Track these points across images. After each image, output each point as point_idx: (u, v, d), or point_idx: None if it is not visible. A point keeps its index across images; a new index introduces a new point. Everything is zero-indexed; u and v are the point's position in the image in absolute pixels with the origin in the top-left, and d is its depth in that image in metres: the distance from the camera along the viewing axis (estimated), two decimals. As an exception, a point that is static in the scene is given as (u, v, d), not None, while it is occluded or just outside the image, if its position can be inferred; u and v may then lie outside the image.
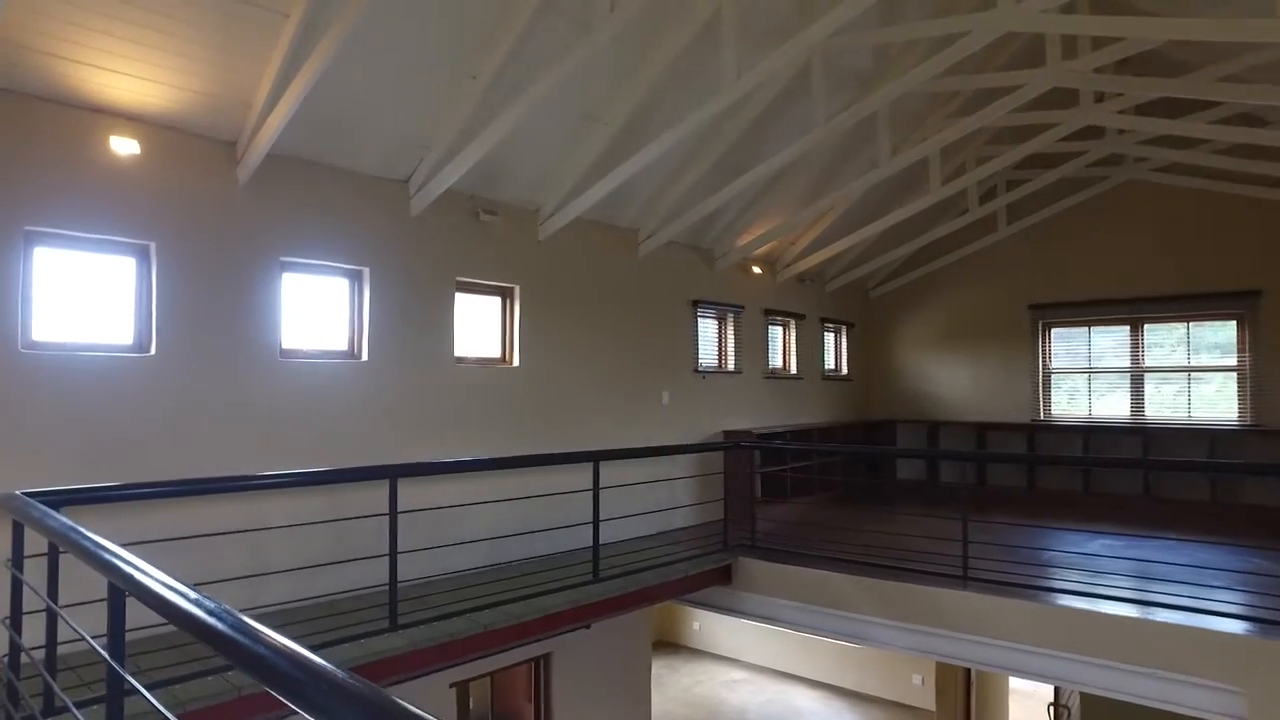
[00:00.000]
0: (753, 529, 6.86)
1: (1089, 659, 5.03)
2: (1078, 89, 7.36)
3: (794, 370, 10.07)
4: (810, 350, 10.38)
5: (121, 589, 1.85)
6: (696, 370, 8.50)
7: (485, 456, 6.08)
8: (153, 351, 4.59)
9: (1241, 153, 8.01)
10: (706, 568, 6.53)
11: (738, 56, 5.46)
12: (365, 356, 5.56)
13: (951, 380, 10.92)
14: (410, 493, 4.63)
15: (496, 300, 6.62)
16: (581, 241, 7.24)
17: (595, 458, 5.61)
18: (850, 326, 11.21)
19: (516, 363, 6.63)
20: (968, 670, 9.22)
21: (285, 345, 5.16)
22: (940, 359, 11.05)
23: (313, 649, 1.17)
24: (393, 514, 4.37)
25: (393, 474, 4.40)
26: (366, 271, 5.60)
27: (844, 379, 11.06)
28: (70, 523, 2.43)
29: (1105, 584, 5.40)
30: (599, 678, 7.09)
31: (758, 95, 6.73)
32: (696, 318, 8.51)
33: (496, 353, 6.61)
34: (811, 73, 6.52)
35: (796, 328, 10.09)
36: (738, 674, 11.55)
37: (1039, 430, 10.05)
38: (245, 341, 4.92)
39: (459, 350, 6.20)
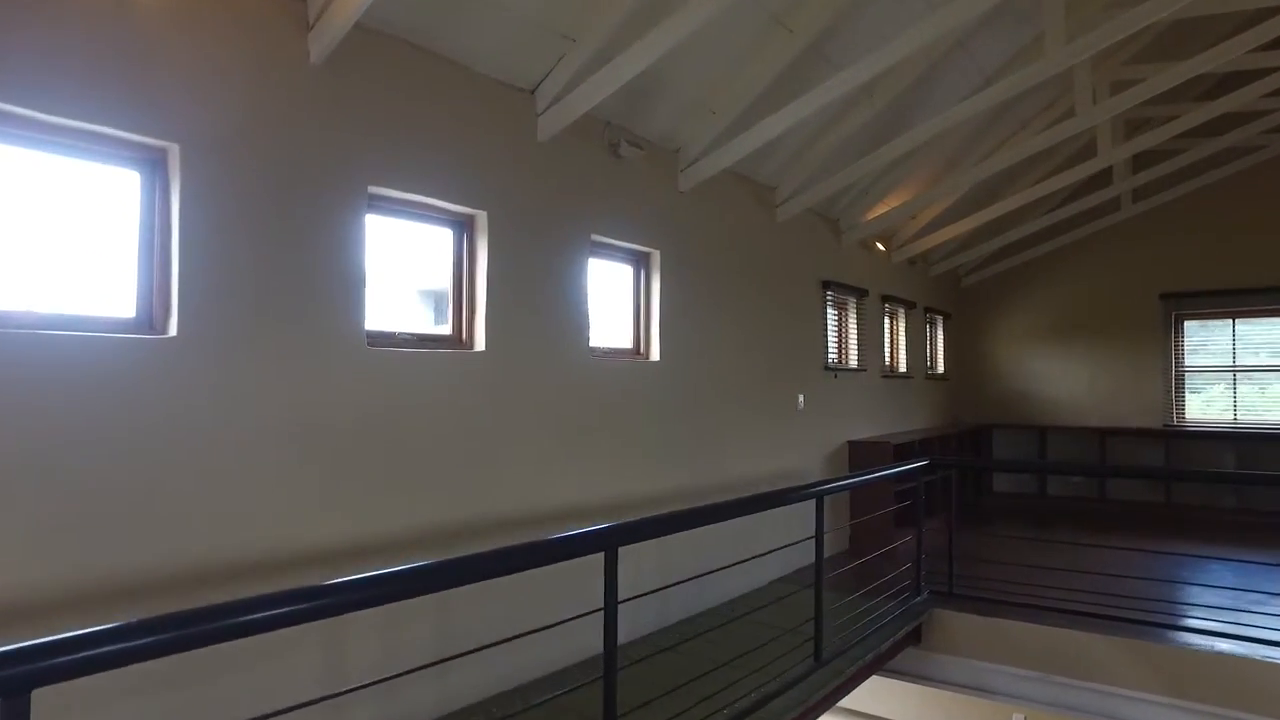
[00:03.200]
0: (950, 570, 5.21)
1: None
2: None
3: (903, 368, 8.48)
4: (918, 345, 8.80)
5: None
6: (827, 367, 6.82)
7: (643, 485, 4.32)
8: (171, 332, 2.68)
9: None
10: (905, 627, 4.89)
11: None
12: (481, 344, 3.71)
13: (1063, 380, 9.47)
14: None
15: (629, 270, 4.82)
16: (722, 198, 5.48)
17: (818, 495, 3.89)
18: (947, 318, 9.68)
19: (655, 355, 4.84)
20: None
21: (372, 326, 3.29)
22: (1048, 355, 9.59)
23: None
24: (611, 591, 2.56)
25: (611, 543, 2.59)
26: (482, 219, 3.75)
27: (941, 378, 9.52)
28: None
29: None
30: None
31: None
32: (826, 303, 6.82)
33: (628, 341, 4.81)
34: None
35: (906, 318, 8.49)
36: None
37: (1174, 437, 8.66)
38: (311, 319, 3.03)
39: (594, 337, 4.39)
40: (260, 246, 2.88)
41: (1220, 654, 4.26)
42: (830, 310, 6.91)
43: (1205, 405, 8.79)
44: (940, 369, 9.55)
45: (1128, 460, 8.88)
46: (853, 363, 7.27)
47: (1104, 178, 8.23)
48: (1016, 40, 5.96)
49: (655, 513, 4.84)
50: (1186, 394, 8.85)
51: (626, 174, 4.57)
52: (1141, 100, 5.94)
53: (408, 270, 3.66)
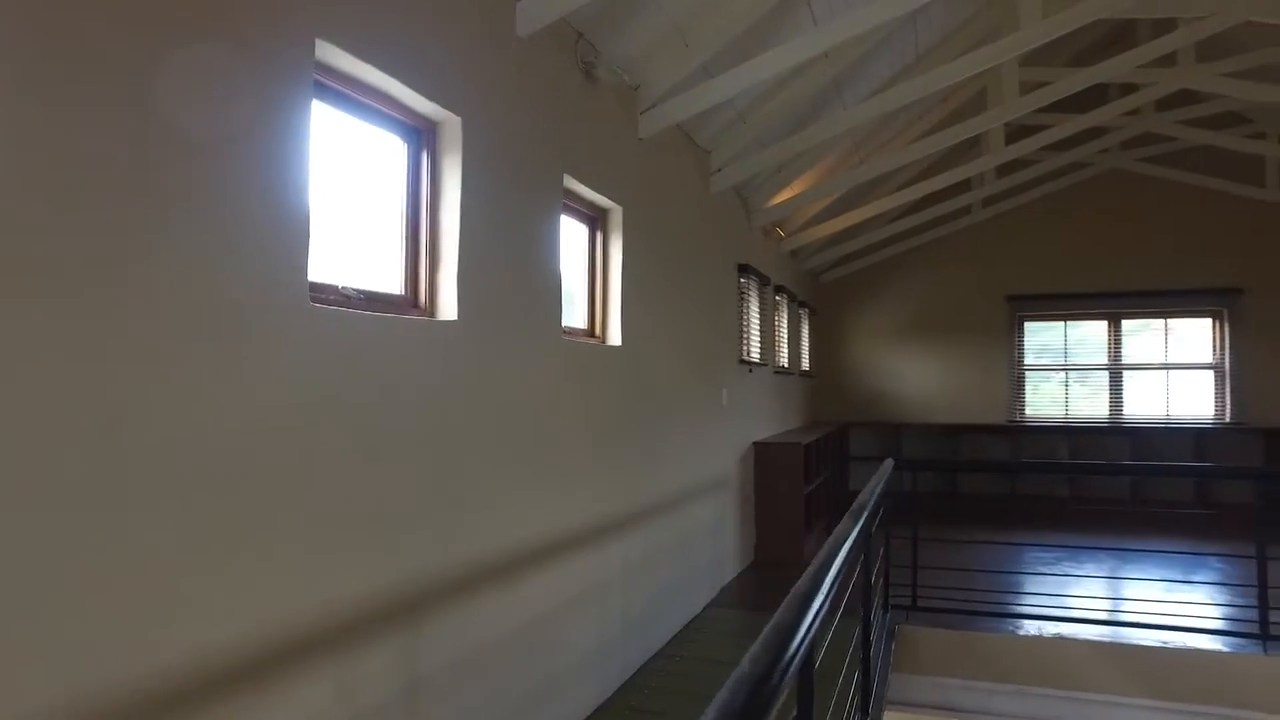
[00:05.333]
0: (914, 582, 4.76)
1: None
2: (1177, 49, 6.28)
3: (785, 363, 8.11)
4: (795, 340, 8.49)
5: None
6: (743, 360, 6.19)
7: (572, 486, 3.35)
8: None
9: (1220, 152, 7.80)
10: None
11: None
12: (449, 311, 2.58)
13: (916, 378, 9.65)
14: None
15: (584, 231, 3.83)
16: (672, 155, 4.64)
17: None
18: (814, 314, 9.52)
19: (615, 339, 3.88)
20: None
21: (316, 278, 2.07)
22: (902, 354, 9.73)
23: None
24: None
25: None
26: (452, 127, 2.62)
27: (807, 375, 9.32)
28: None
29: None
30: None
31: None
32: (740, 290, 6.19)
33: (583, 321, 3.81)
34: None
35: (789, 311, 8.13)
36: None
37: (1017, 432, 9.09)
38: (225, 260, 1.77)
39: (566, 315, 3.36)
40: (114, 138, 1.61)
41: (1207, 654, 4.13)
42: (744, 298, 6.30)
43: (1043, 401, 9.31)
44: (806, 365, 9.36)
45: (975, 454, 9.19)
46: (756, 356, 6.72)
47: (964, 183, 8.44)
48: (957, 16, 5.72)
49: (627, 535, 3.94)
50: (1027, 391, 9.33)
51: (595, 105, 3.59)
52: (1045, 104, 5.92)
53: (364, 193, 2.44)
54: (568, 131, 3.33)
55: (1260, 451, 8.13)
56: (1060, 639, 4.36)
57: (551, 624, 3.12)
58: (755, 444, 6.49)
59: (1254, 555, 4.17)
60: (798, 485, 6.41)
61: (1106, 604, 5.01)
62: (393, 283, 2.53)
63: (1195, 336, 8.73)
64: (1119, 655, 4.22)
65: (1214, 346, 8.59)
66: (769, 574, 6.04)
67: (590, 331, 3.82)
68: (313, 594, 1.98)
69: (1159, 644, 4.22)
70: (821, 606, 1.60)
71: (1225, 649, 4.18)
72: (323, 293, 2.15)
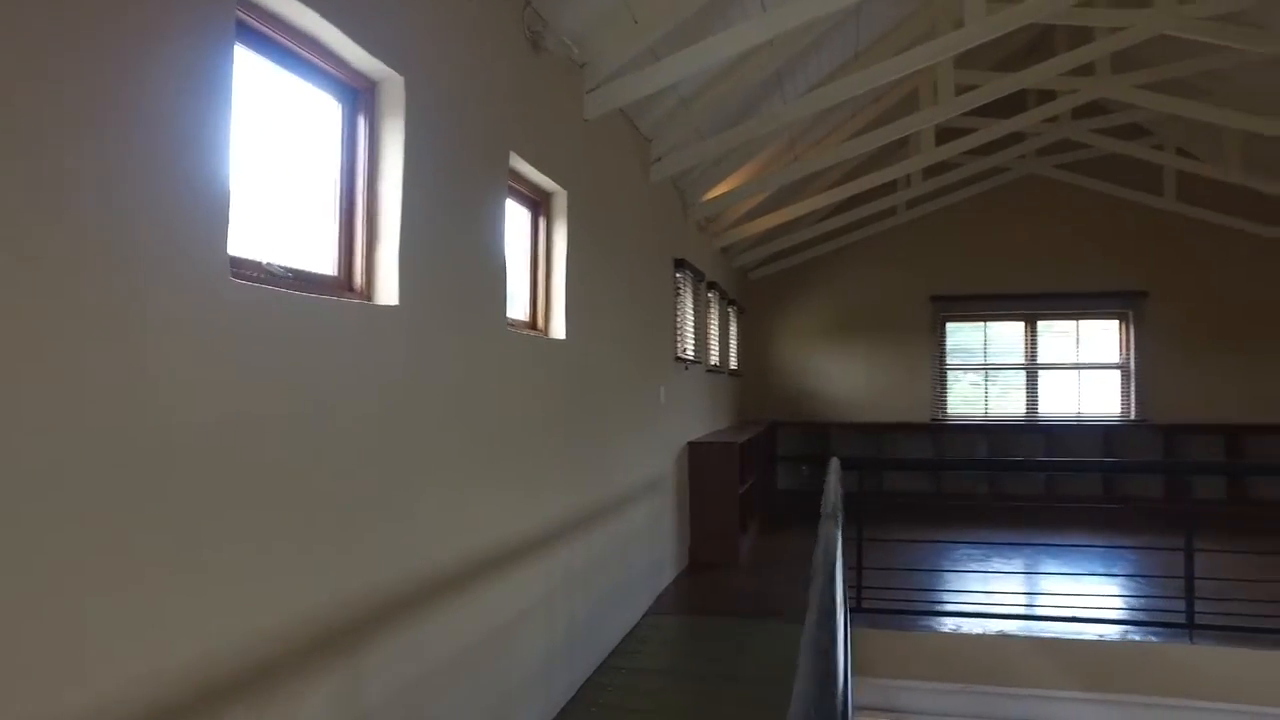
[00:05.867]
0: (859, 585, 4.69)
1: None
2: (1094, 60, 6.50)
3: (716, 361, 8.00)
4: (724, 338, 8.40)
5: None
6: (678, 358, 6.03)
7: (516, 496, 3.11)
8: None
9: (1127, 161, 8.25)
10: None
11: None
12: (390, 295, 2.29)
13: (843, 377, 9.74)
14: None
15: (526, 216, 3.56)
16: (615, 139, 4.42)
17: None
18: (742, 312, 9.46)
19: (559, 332, 3.63)
20: None
21: (236, 251, 1.76)
22: (829, 353, 9.80)
23: None
24: None
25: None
26: (394, 88, 2.32)
27: (735, 374, 9.26)
28: None
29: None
30: None
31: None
32: (676, 285, 6.03)
33: (525, 313, 3.55)
34: None
35: (719, 309, 8.03)
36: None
37: (940, 430, 9.29)
38: (126, 229, 1.45)
39: (511, 305, 3.10)
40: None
41: (1142, 646, 4.21)
42: (679, 293, 6.14)
43: (963, 401, 9.53)
44: (734, 364, 9.29)
45: (899, 453, 9.33)
46: (690, 353, 6.57)
47: (890, 184, 8.56)
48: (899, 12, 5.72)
49: (572, 541, 3.71)
50: (949, 390, 9.53)
51: (541, 79, 3.34)
52: (975, 106, 6.00)
53: (295, 160, 2.12)
54: (514, 106, 3.07)
55: (1160, 446, 8.54)
56: (1003, 636, 4.37)
57: (498, 641, 2.85)
58: (690, 444, 6.34)
59: (1179, 548, 4.27)
60: (732, 486, 6.29)
61: (1043, 600, 5.08)
62: (325, 262, 2.22)
63: (1104, 337, 9.11)
64: (1057, 650, 4.25)
65: (1120, 347, 8.99)
66: (705, 577, 5.90)
67: (533, 324, 3.56)
68: (236, 625, 1.67)
69: (1097, 638, 4.28)
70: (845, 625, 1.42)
71: (1155, 639, 4.27)
72: (246, 269, 1.84)
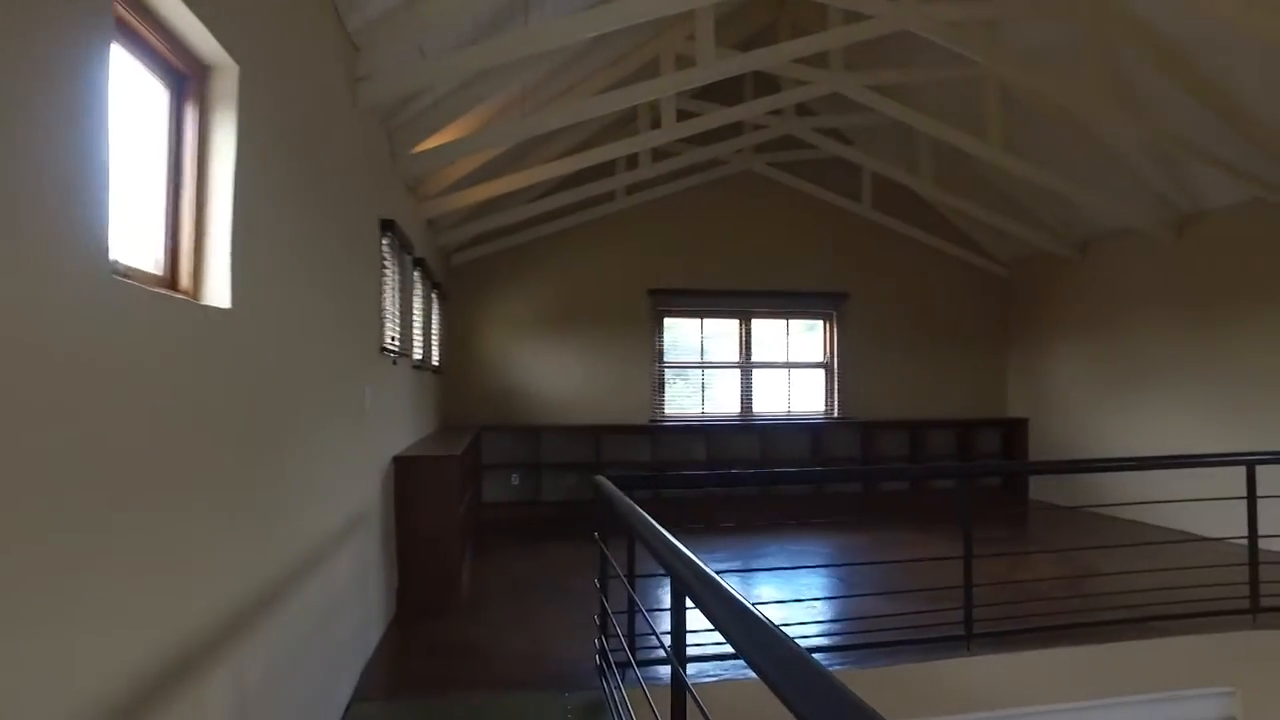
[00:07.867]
0: (631, 631, 3.78)
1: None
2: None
3: (420, 355, 6.63)
4: (428, 328, 7.05)
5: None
6: (384, 349, 4.64)
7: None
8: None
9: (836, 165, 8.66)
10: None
11: None
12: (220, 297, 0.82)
13: (555, 375, 8.88)
14: None
15: (165, 97, 2.05)
16: (317, 30, 2.99)
17: None
18: (444, 299, 8.14)
19: (221, 298, 2.17)
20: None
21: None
22: (542, 349, 8.89)
23: None
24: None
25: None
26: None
27: (438, 371, 7.91)
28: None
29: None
30: None
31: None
32: (382, 255, 4.63)
33: (158, 262, 2.04)
34: None
35: (423, 293, 6.67)
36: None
37: (658, 431, 8.87)
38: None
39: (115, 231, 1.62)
40: None
41: (918, 666, 3.86)
42: (385, 266, 4.75)
43: (680, 399, 9.22)
44: (436, 359, 7.95)
45: (616, 456, 8.74)
46: (397, 344, 5.19)
47: (609, 166, 7.92)
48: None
49: (240, 644, 2.32)
50: (666, 389, 9.15)
51: None
52: (713, 80, 5.53)
53: None
54: None
55: (859, 442, 8.98)
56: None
57: None
58: (396, 459, 4.97)
59: (958, 556, 4.02)
60: (452, 508, 5.06)
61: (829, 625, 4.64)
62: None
63: (811, 337, 9.40)
64: (859, 681, 3.75)
65: (825, 347, 9.33)
66: (419, 630, 4.60)
67: (172, 280, 2.08)
68: None
69: (886, 663, 3.86)
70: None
71: (935, 658, 3.98)
72: None
